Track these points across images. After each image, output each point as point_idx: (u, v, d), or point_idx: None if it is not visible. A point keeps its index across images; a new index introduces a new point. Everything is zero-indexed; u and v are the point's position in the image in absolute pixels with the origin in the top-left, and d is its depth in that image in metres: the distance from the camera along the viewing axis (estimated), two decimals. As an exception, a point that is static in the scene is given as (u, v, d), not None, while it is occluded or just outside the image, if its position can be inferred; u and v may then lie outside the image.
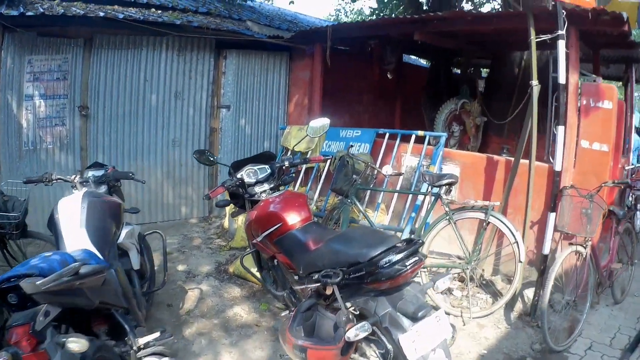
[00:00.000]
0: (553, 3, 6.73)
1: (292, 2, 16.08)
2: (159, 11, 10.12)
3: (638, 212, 8.76)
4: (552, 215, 6.78)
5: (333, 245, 4.10)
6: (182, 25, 9.63)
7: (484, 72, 14.48)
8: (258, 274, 5.91)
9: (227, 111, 10.61)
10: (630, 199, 8.72)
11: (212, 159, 6.04)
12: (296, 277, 4.88)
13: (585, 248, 6.31)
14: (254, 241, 5.26)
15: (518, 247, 6.52)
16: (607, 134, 7.16)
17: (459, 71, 13.67)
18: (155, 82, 9.77)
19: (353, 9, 33.50)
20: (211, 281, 7.41)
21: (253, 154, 7.18)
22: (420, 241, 3.90)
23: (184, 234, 9.51)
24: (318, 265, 4.07)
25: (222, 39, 10.17)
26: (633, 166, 10.48)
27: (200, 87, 10.33)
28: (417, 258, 3.72)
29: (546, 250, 6.76)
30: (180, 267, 7.89)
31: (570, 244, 6.41)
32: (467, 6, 17.85)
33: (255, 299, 6.95)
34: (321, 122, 6.20)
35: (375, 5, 16.58)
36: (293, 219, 4.89)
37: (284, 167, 5.61)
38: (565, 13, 6.69)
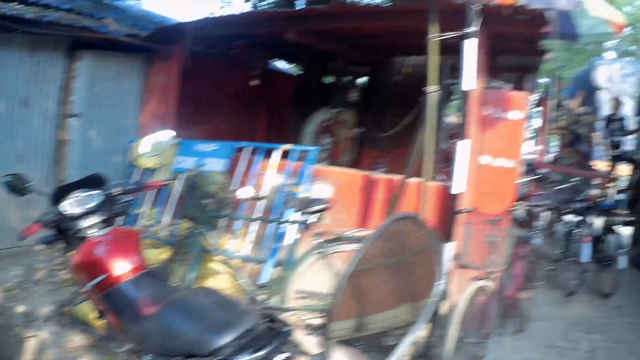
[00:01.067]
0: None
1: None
2: (19, 5, 8.73)
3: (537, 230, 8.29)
4: (449, 244, 5.95)
5: (168, 319, 3.18)
6: (33, 21, 8.33)
7: (362, 79, 13.78)
8: (97, 322, 4.69)
9: (77, 121, 9.43)
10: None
11: (25, 185, 4.57)
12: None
13: (490, 282, 5.60)
14: (82, 290, 4.15)
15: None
16: (515, 148, 6.58)
17: (333, 78, 12.85)
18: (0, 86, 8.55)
19: (223, 6, 32.55)
20: (52, 326, 6.31)
21: (94, 172, 5.87)
22: (290, 329, 3.03)
23: (28, 264, 8.25)
24: (147, 346, 3.14)
25: (76, 36, 9.01)
26: (526, 180, 10.09)
27: (50, 93, 9.12)
28: (285, 357, 2.87)
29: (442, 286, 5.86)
30: (20, 308, 6.75)
31: (473, 278, 5.61)
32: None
33: (100, 349, 5.87)
34: (164, 137, 5.08)
35: (249, 9, 15.72)
36: (121, 268, 3.85)
37: (116, 195, 4.48)
38: (478, 8, 5.90)
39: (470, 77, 5.89)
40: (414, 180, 6.45)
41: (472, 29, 5.82)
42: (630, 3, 33.70)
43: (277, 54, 12.13)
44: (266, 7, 15.47)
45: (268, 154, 7.87)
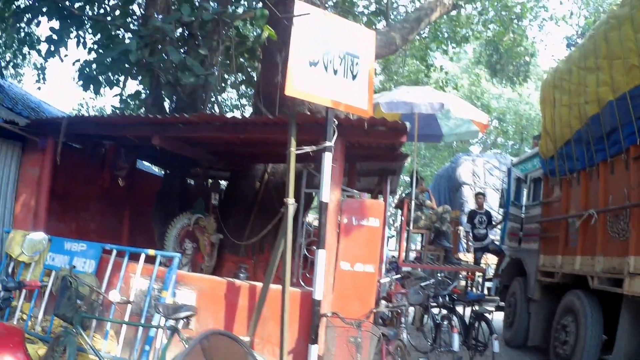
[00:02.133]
0: (305, 111, 6.21)
1: (39, 89, 14.82)
2: None
3: (402, 325, 8.77)
4: (314, 348, 6.11)
5: None
6: None
7: (223, 184, 13.84)
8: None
9: None
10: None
11: None
12: None
13: None
14: None
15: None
16: (373, 253, 6.75)
17: (195, 182, 12.90)
18: None
19: (95, 106, 32.12)
20: None
21: None
22: None
23: None
24: None
25: None
26: (388, 279, 10.37)
27: None
28: None
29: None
30: None
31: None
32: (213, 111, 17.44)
33: None
34: (38, 238, 5.12)
35: (118, 104, 15.66)
36: None
37: None
38: (336, 123, 6.24)
39: (327, 189, 6.17)
40: (275, 287, 6.53)
41: (329, 143, 6.12)
42: (497, 98, 35.23)
43: (144, 155, 12.11)
44: (134, 106, 15.49)
45: (134, 257, 7.82)
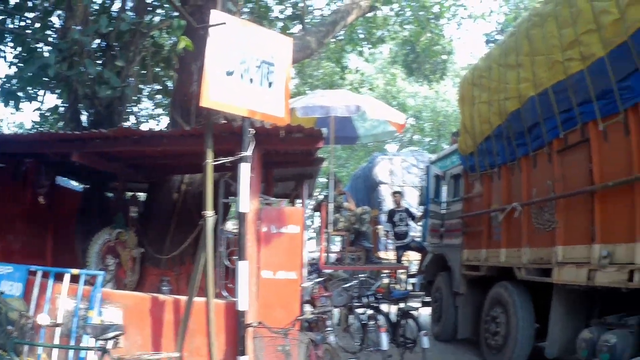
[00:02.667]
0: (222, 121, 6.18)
1: None
2: None
3: (329, 328, 8.61)
4: (243, 359, 6.08)
5: None
6: None
7: (141, 197, 13.65)
8: None
9: None
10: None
11: None
12: None
13: None
14: None
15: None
16: (294, 260, 6.81)
17: (114, 197, 12.66)
18: None
19: (15, 122, 31.30)
20: None
21: None
22: None
23: None
24: None
25: None
26: (310, 282, 10.40)
27: None
28: None
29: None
30: None
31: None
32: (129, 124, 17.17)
33: None
34: None
35: (37, 119, 15.24)
36: None
37: None
38: (253, 132, 6.25)
39: (245, 199, 6.18)
40: (199, 300, 6.47)
41: (245, 153, 6.13)
42: (413, 96, 35.56)
43: (64, 171, 11.83)
44: (53, 121, 15.14)
45: (59, 277, 7.61)
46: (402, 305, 9.60)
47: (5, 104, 10.65)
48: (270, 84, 6.34)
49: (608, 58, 6.67)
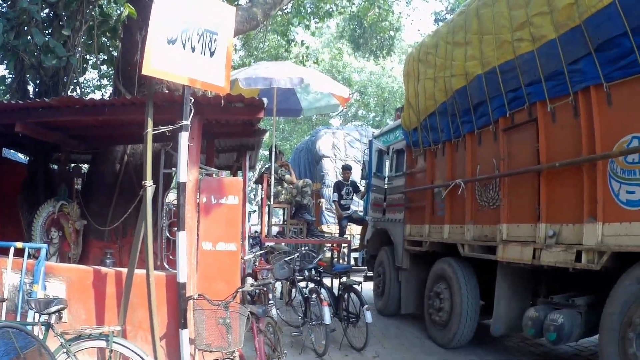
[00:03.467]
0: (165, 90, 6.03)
1: None
2: None
3: (270, 301, 8.75)
4: (184, 332, 6.02)
5: None
6: None
7: (85, 168, 13.36)
8: None
9: None
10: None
11: None
12: None
13: None
14: None
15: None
16: (234, 231, 6.71)
17: (58, 168, 12.37)
18: None
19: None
20: None
21: None
22: None
23: None
24: None
25: None
26: (252, 255, 10.35)
27: None
28: None
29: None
30: None
31: (216, 360, 5.69)
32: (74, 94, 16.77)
33: None
34: None
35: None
36: None
37: None
38: (192, 101, 6.08)
39: (184, 169, 6.05)
40: (140, 272, 6.29)
41: (185, 122, 5.97)
42: (359, 71, 35.60)
43: (9, 143, 11.51)
44: (1, 92, 14.71)
45: (3, 252, 7.33)
46: (344, 279, 9.61)
47: None
48: (212, 53, 6.18)
49: (560, 40, 6.75)
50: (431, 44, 10.37)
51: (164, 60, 5.78)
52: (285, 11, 17.98)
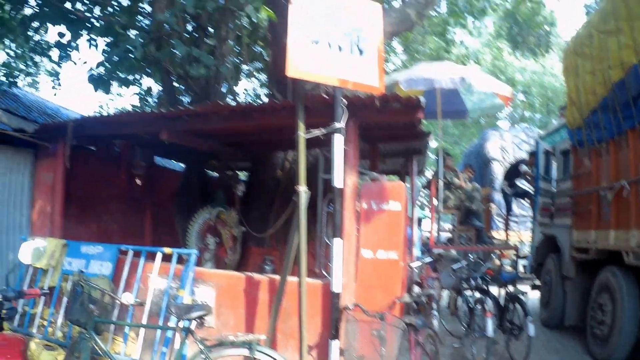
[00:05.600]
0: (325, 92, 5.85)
1: (55, 94, 14.84)
2: None
3: (434, 311, 8.44)
4: (334, 343, 5.79)
5: None
6: None
7: (243, 175, 13.56)
8: None
9: None
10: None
11: None
12: None
13: None
14: None
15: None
16: (396, 239, 6.38)
17: (215, 175, 12.62)
18: None
19: (116, 107, 32.14)
20: None
21: None
22: None
23: None
24: None
25: None
26: (420, 263, 10.06)
27: None
28: None
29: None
30: None
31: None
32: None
33: None
34: (42, 245, 5.00)
35: (137, 103, 15.64)
36: None
37: None
38: (346, 103, 5.87)
39: (340, 173, 5.82)
40: (294, 279, 6.18)
41: (338, 124, 5.76)
42: (521, 71, 34.77)
43: (161, 151, 11.90)
44: (152, 103, 15.40)
45: (151, 257, 7.59)
46: (510, 288, 9.10)
47: (95, 89, 10.80)
48: (361, 52, 5.92)
49: None
50: (585, 35, 9.65)
51: (308, 61, 5.63)
52: (440, 11, 17.75)
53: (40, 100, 14.98)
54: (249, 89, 21.20)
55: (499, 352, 8.83)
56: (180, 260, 7.31)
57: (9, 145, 9.43)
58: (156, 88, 14.49)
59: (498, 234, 16.91)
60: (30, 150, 9.77)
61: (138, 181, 10.40)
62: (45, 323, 7.97)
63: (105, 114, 30.16)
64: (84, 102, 62.98)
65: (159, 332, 6.99)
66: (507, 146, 21.76)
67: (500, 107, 13.56)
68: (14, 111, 10.66)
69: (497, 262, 13.99)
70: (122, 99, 30.65)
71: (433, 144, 13.99)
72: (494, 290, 9.43)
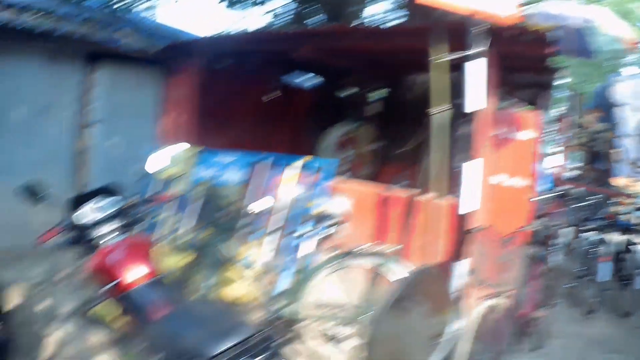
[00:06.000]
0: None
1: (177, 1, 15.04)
2: (35, 16, 8.74)
3: (556, 246, 8.13)
4: (460, 264, 5.83)
5: (172, 325, 3.36)
6: (47, 33, 8.38)
7: (382, 93, 13.58)
8: (115, 322, 4.74)
9: (97, 129, 9.54)
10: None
11: (42, 193, 4.63)
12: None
13: (503, 300, 5.58)
14: (99, 293, 4.40)
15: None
16: (526, 167, 6.44)
17: (349, 93, 12.70)
18: (18, 94, 8.62)
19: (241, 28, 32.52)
20: (71, 325, 6.17)
21: (110, 182, 5.87)
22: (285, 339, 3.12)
23: (48, 265, 7.89)
24: (157, 348, 3.25)
25: (94, 49, 9.15)
26: (546, 196, 9.95)
27: (69, 101, 9.22)
28: None
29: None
30: (41, 307, 6.69)
31: (487, 296, 5.54)
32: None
33: (117, 347, 5.78)
34: (184, 148, 5.18)
35: (264, 24, 15.77)
36: (132, 275, 4.15)
37: (129, 206, 4.74)
38: (480, 29, 5.85)
39: (474, 98, 5.82)
40: (426, 197, 6.33)
41: (477, 49, 5.76)
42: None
43: (292, 68, 12.05)
44: (281, 22, 15.48)
45: (286, 165, 7.70)
46: (625, 237, 8.87)
47: (229, 6, 10.94)
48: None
49: None
50: None
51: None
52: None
53: (160, 24, 15.35)
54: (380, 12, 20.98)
55: (607, 299, 8.61)
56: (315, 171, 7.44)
57: (137, 63, 9.88)
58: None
59: (619, 181, 16.42)
60: (159, 68, 10.13)
61: (270, 96, 10.55)
62: (170, 230, 8.28)
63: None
64: (208, 27, 63.69)
65: (286, 240, 7.11)
66: (637, 91, 20.81)
67: (624, 52, 13.08)
68: (135, 33, 10.99)
69: (619, 208, 13.64)
70: (247, 20, 30.80)
71: (565, 80, 13.59)
72: (612, 236, 9.26)
